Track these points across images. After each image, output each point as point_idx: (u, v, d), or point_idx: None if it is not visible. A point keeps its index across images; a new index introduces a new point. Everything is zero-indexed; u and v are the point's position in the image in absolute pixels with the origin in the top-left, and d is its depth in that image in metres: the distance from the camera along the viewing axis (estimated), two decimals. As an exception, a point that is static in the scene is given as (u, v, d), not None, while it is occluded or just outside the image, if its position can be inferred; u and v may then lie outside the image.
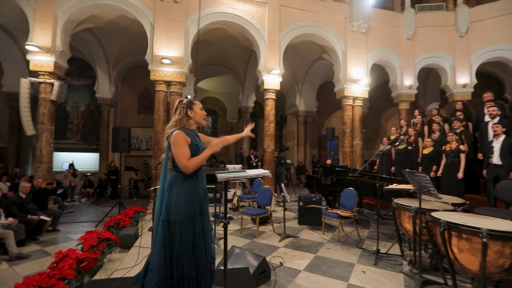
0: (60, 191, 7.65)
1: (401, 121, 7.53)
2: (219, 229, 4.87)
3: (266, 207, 4.84)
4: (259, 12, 7.45)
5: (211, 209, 6.32)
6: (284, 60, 7.77)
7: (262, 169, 2.11)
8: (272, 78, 7.39)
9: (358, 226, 4.61)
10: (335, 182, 5.60)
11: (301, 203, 5.22)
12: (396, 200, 3.23)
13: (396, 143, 5.98)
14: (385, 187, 3.90)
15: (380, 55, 8.52)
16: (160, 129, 6.85)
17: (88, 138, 11.03)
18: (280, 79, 7.47)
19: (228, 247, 3.39)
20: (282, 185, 4.60)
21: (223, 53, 9.82)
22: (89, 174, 10.02)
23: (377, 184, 3.67)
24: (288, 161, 10.43)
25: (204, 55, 9.59)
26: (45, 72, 6.28)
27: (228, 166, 7.97)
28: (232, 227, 5.08)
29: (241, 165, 8.19)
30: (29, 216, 4.62)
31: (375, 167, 7.05)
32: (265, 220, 5.05)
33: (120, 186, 6.78)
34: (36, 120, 6.45)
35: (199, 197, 1.86)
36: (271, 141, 7.51)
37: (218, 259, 2.99)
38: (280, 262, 3.33)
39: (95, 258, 3.08)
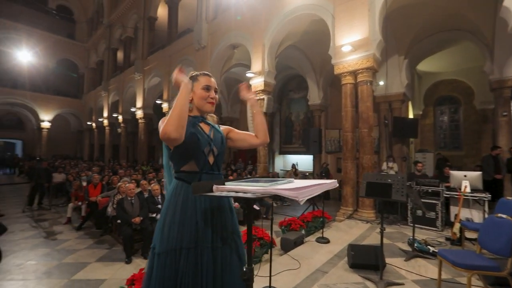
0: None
1: None
2: (401, 266, 3.24)
3: (498, 257, 2.53)
4: None
5: (407, 231, 4.49)
6: None
7: (314, 180, 0.96)
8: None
9: None
10: None
11: None
12: None
13: None
14: None
15: None
16: (348, 127, 6.10)
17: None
18: None
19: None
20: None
21: (445, 11, 6.88)
22: (307, 174, 11.26)
23: None
24: None
25: (412, 27, 7.37)
26: (259, 90, 7.91)
27: (452, 173, 5.35)
28: (431, 270, 3.20)
29: (480, 173, 5.13)
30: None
31: None
32: (501, 282, 2.62)
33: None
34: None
35: (196, 218, 1.21)
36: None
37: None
38: None
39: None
